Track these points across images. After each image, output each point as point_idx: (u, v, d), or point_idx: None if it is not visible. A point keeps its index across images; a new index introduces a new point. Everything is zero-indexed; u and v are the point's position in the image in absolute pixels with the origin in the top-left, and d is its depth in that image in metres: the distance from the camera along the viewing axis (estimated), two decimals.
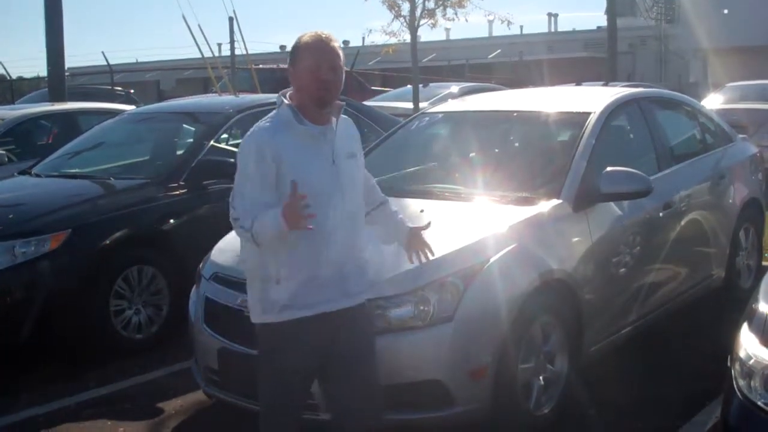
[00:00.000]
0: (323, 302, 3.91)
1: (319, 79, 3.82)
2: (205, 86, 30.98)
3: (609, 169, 5.88)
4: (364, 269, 4.08)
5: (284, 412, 4.11)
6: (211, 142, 8.34)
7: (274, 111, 3.96)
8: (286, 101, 3.93)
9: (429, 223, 4.30)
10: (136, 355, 7.09)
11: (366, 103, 13.18)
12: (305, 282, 3.87)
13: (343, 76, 3.96)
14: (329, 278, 3.91)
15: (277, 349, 3.99)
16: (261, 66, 22.50)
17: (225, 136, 8.77)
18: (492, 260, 5.09)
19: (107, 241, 7.12)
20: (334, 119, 3.97)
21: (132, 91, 26.40)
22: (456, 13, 23.92)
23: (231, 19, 24.09)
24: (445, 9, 23.14)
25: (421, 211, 5.48)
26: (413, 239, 4.31)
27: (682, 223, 6.91)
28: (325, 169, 3.88)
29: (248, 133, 3.94)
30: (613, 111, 6.73)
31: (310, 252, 3.86)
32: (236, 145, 8.92)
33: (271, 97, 10.05)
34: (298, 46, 3.91)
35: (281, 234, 3.71)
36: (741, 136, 8.98)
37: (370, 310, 4.23)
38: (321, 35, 3.90)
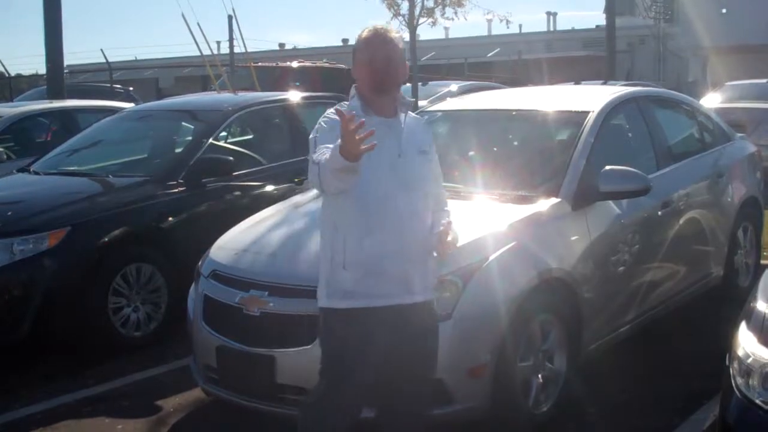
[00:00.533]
0: (385, 295, 3.90)
1: (372, 71, 3.91)
2: (204, 84, 30.95)
3: (608, 167, 5.88)
4: (428, 268, 4.04)
5: (335, 406, 4.03)
6: (210, 140, 8.35)
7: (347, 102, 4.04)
8: (357, 93, 4.01)
9: (449, 222, 4.22)
10: (134, 352, 7.09)
11: None
12: (369, 272, 3.87)
13: (402, 67, 4.00)
14: (393, 273, 3.90)
15: (335, 337, 3.98)
16: (260, 64, 22.48)
17: (224, 134, 8.78)
18: (491, 258, 5.10)
19: (106, 239, 7.12)
20: (402, 114, 4.02)
21: (131, 88, 26.39)
22: (456, 13, 23.92)
23: (230, 17, 24.07)
24: (444, 8, 23.13)
25: None
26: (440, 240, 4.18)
27: (681, 221, 6.91)
28: (388, 161, 3.89)
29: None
30: (612, 110, 6.73)
31: (375, 242, 3.87)
32: (235, 143, 9.03)
33: (270, 95, 10.15)
34: (357, 42, 4.01)
35: (343, 167, 3.53)
36: (740, 134, 8.98)
37: (433, 311, 4.16)
38: (378, 29, 4.00)
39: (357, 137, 3.42)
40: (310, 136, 3.96)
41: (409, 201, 3.93)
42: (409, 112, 4.13)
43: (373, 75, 3.92)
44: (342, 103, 3.97)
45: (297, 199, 6.71)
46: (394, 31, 4.10)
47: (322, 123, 3.92)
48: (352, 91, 4.05)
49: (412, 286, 3.96)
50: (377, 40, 3.95)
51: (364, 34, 3.99)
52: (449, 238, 3.91)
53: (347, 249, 3.88)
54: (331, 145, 3.61)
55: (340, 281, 3.91)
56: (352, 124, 3.40)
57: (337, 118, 3.59)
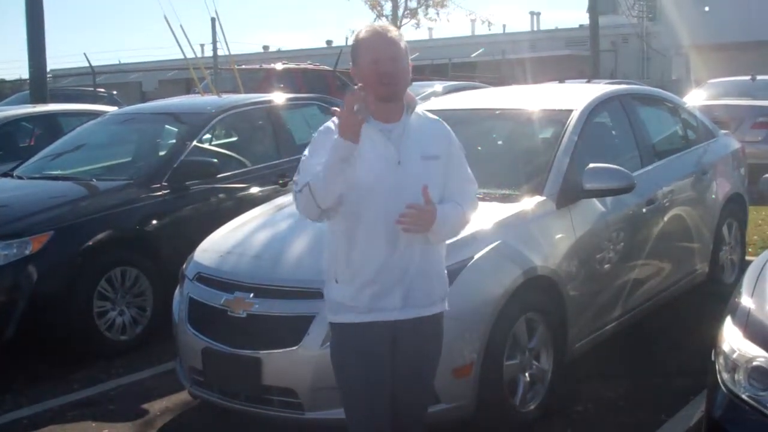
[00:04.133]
0: (382, 310, 3.76)
1: (378, 72, 3.66)
2: (187, 87, 30.89)
3: (592, 165, 5.89)
4: (433, 280, 3.87)
5: (365, 419, 3.92)
6: (194, 143, 8.33)
7: None
8: None
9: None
10: (120, 356, 7.07)
11: None
12: (363, 285, 3.74)
13: (407, 66, 3.77)
14: (390, 286, 3.75)
15: (339, 351, 3.90)
16: (244, 66, 22.45)
17: (207, 136, 8.75)
18: (476, 257, 5.09)
19: (90, 243, 7.09)
20: (406, 117, 3.81)
21: (115, 92, 26.33)
22: (438, 14, 23.94)
23: (213, 20, 24.06)
24: (426, 9, 23.16)
25: None
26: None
27: (666, 218, 6.92)
28: (387, 169, 3.70)
29: (319, 129, 3.81)
30: (595, 108, 6.74)
31: (369, 255, 3.73)
32: (219, 146, 9.01)
33: (254, 97, 10.13)
34: (356, 43, 3.77)
35: (343, 154, 3.49)
36: (723, 131, 9.01)
37: (440, 322, 3.99)
38: (377, 28, 3.78)
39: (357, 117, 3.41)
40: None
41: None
42: (427, 114, 3.95)
43: (379, 78, 3.66)
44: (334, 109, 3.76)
45: (281, 200, 6.70)
46: (394, 28, 3.91)
47: (314, 140, 3.74)
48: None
49: (413, 300, 3.79)
50: (382, 39, 3.72)
51: (365, 34, 3.76)
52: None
53: (338, 262, 3.78)
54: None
55: (334, 295, 3.82)
56: (354, 99, 3.41)
57: (326, 137, 3.60)
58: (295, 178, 3.76)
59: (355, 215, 3.71)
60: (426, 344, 3.94)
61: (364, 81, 3.67)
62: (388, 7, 21.64)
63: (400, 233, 3.68)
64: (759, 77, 17.21)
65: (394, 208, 3.64)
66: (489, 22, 26.04)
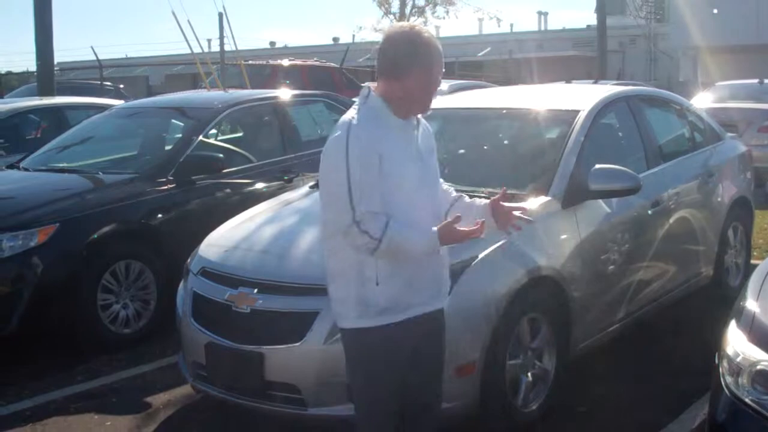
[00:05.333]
0: (420, 304, 3.80)
1: (429, 82, 3.72)
2: (194, 82, 30.93)
3: (598, 166, 5.88)
4: (447, 271, 3.99)
5: (384, 420, 3.91)
6: (200, 138, 8.34)
7: (359, 104, 3.76)
8: (374, 93, 3.76)
9: (505, 190, 4.14)
10: (123, 349, 7.08)
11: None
12: (405, 284, 3.74)
13: None
14: (426, 279, 3.81)
15: (370, 357, 3.81)
16: (250, 62, 22.46)
17: (214, 131, 8.77)
18: (480, 257, 5.09)
19: (95, 236, 7.10)
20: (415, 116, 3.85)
21: (122, 86, 26.35)
22: (447, 12, 23.90)
23: (220, 15, 23.96)
24: (434, 6, 23.12)
25: None
26: (497, 211, 4.07)
27: (671, 221, 6.91)
28: (413, 165, 3.73)
29: (342, 130, 3.63)
30: (602, 109, 6.72)
31: None
32: (225, 141, 9.02)
33: (260, 92, 10.14)
34: (415, 47, 3.67)
35: (433, 251, 3.71)
36: (730, 134, 8.99)
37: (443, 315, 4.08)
38: (431, 36, 3.77)
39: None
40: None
41: (433, 202, 3.84)
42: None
43: (428, 87, 3.71)
44: (356, 109, 3.74)
45: (286, 196, 6.70)
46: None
47: (350, 151, 3.56)
48: (365, 90, 3.78)
49: (441, 288, 3.92)
50: (437, 51, 3.71)
51: (425, 36, 3.70)
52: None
53: (379, 265, 3.68)
54: (388, 223, 3.56)
55: (373, 298, 3.71)
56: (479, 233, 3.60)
57: (361, 144, 3.54)
58: (355, 205, 3.55)
59: (394, 212, 3.65)
60: (443, 334, 4.04)
61: (416, 88, 3.70)
62: (395, 5, 21.67)
63: (432, 225, 3.72)
64: (767, 80, 17.18)
65: (420, 203, 3.72)
66: (498, 19, 26.00)
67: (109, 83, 26.50)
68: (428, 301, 3.85)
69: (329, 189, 3.68)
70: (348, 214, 3.56)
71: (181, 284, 5.88)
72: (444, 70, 3.80)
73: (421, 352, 3.90)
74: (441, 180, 4.06)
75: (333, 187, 3.62)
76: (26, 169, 8.52)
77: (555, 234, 5.71)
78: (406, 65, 3.68)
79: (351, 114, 3.73)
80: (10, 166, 8.80)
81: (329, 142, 3.68)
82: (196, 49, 12.28)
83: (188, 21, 16.61)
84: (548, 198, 5.77)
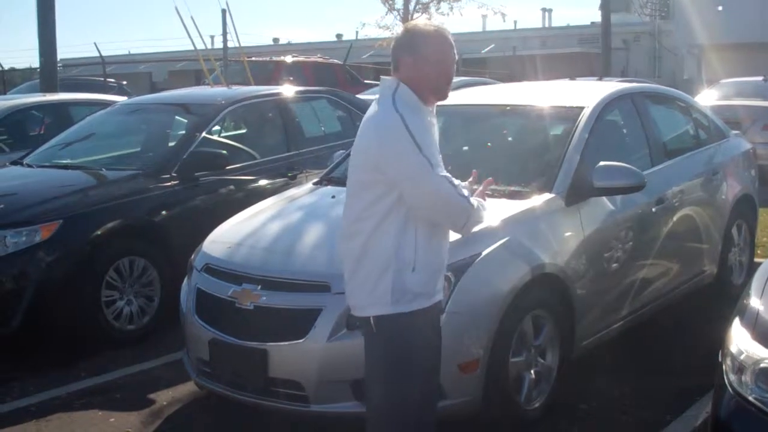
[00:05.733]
0: (439, 292, 3.90)
1: (440, 73, 3.80)
2: (197, 78, 30.95)
3: (602, 163, 5.87)
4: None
5: (410, 411, 3.90)
6: (203, 134, 8.34)
7: (386, 94, 3.79)
8: (402, 83, 3.79)
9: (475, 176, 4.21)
10: (127, 345, 7.09)
11: (359, 96, 13.17)
12: (435, 271, 3.83)
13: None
14: (443, 268, 3.92)
15: (406, 342, 3.81)
16: (254, 58, 22.47)
17: (217, 127, 8.76)
18: (484, 254, 5.09)
19: (98, 232, 7.10)
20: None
21: (125, 82, 26.36)
22: (451, 8, 23.88)
23: (224, 11, 24.05)
24: (439, 3, 23.09)
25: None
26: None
27: (675, 218, 6.91)
28: (438, 152, 3.80)
29: (385, 118, 3.71)
30: (607, 106, 6.72)
31: (442, 238, 3.87)
32: (228, 137, 9.01)
33: (264, 89, 10.13)
34: (420, 35, 3.81)
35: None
36: (734, 132, 8.98)
37: None
38: (442, 29, 3.88)
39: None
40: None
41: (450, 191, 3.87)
42: None
43: (439, 77, 3.79)
44: (388, 99, 3.76)
45: (290, 192, 6.71)
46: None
47: (408, 126, 3.65)
48: (394, 83, 3.79)
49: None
50: (447, 41, 3.82)
51: (428, 29, 3.85)
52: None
53: (418, 250, 3.74)
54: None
55: (408, 285, 3.74)
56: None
57: (414, 124, 3.64)
58: (441, 172, 3.69)
59: None
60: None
61: (421, 75, 3.77)
62: (399, 2, 21.69)
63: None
64: None
65: (448, 188, 3.73)
66: (502, 14, 25.89)
67: (112, 80, 26.53)
68: (440, 291, 3.92)
69: (406, 173, 3.68)
70: (442, 184, 3.67)
71: (185, 281, 5.89)
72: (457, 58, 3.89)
73: (437, 342, 3.97)
74: None
75: (411, 170, 3.66)
76: (30, 166, 8.53)
77: (559, 231, 5.71)
78: (417, 43, 3.79)
79: (386, 104, 3.75)
80: (14, 163, 8.81)
81: (384, 133, 3.70)
82: (200, 46, 12.29)
83: (191, 17, 16.66)
84: (552, 195, 5.76)
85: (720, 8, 39.42)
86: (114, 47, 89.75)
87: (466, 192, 3.77)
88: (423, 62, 3.76)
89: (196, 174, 7.93)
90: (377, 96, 3.86)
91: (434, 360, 3.96)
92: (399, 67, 3.82)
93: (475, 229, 5.01)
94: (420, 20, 3.88)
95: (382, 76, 3.92)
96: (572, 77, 17.00)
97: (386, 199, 3.71)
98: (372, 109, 3.84)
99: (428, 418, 3.99)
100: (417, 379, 3.86)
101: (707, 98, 16.05)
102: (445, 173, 3.69)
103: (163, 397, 6.08)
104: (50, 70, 16.37)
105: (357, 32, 39.61)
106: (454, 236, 3.99)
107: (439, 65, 3.78)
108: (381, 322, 3.80)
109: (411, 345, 3.82)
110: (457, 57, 3.91)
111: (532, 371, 5.36)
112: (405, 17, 21.11)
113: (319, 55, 26.23)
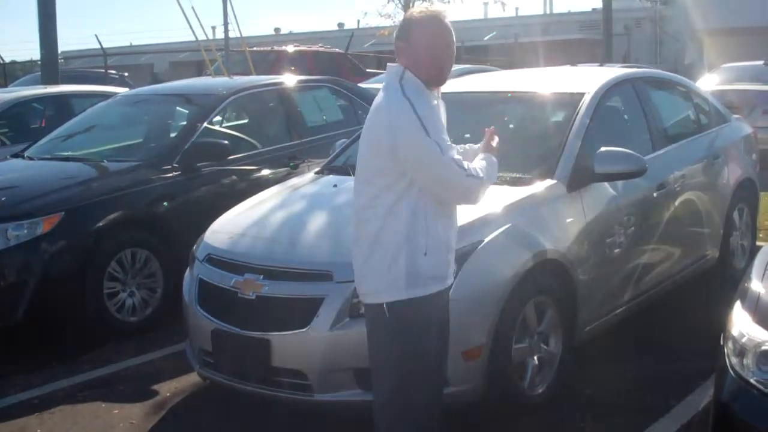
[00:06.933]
0: (450, 276, 3.94)
1: (434, 58, 3.78)
2: (198, 69, 30.90)
3: (603, 149, 5.87)
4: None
5: (432, 396, 3.94)
6: (205, 124, 8.33)
7: (396, 81, 3.80)
8: (406, 70, 3.80)
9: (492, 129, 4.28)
10: (130, 337, 7.10)
11: (361, 84, 13.16)
12: (447, 252, 3.86)
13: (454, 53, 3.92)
14: (452, 253, 3.93)
15: (419, 327, 3.81)
16: (255, 48, 22.44)
17: (218, 118, 8.75)
18: (486, 240, 5.09)
19: (100, 224, 7.10)
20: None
21: (126, 74, 26.34)
22: None
23: (224, 1, 23.99)
24: None
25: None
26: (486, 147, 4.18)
27: (677, 203, 6.90)
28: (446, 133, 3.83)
29: (395, 103, 3.73)
30: (608, 91, 6.71)
31: (452, 221, 3.91)
32: (230, 127, 9.01)
33: (265, 79, 10.12)
34: (412, 22, 3.84)
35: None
36: (735, 116, 8.96)
37: None
38: (435, 12, 3.88)
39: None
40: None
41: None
42: None
43: (432, 63, 3.78)
44: (393, 86, 3.78)
45: (292, 182, 6.71)
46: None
47: (417, 111, 3.68)
48: (400, 70, 3.81)
49: (453, 260, 4.01)
50: (439, 27, 3.81)
51: (421, 15, 3.86)
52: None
53: (429, 234, 3.76)
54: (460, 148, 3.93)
55: (422, 268, 3.76)
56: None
57: (423, 108, 3.68)
58: (451, 153, 3.74)
59: None
60: None
61: (417, 61, 3.79)
62: None
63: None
64: None
65: (456, 171, 3.75)
66: (503, 2, 25.83)
67: (113, 71, 26.52)
68: (451, 275, 3.95)
69: (416, 157, 3.70)
70: (450, 168, 3.70)
71: (187, 271, 5.89)
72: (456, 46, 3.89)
73: (447, 327, 3.99)
74: None
75: (421, 154, 3.69)
76: (31, 158, 8.53)
77: (561, 217, 5.71)
78: (410, 30, 3.83)
79: (394, 90, 3.77)
80: (15, 155, 8.81)
81: (395, 118, 3.71)
82: (201, 36, 12.30)
83: (192, 8, 16.55)
84: (554, 181, 5.76)
85: None
86: (115, 39, 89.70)
87: (473, 168, 3.80)
88: (415, 48, 3.79)
89: (198, 164, 7.93)
90: (384, 83, 3.87)
91: (444, 346, 3.97)
92: (398, 54, 3.86)
93: (477, 216, 5.04)
94: (420, 8, 3.85)
95: (388, 63, 3.94)
96: (574, 63, 16.96)
97: (398, 184, 3.73)
98: (380, 96, 3.85)
99: (437, 407, 3.99)
100: (428, 365, 3.86)
101: (708, 83, 16.01)
102: (454, 156, 3.72)
103: (167, 389, 6.09)
104: (51, 63, 16.34)
105: (358, 21, 39.63)
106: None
107: (430, 50, 3.78)
108: (394, 307, 3.80)
109: (423, 329, 3.82)
110: (455, 42, 3.89)
111: (536, 357, 5.37)
112: (406, 6, 21.05)
113: (320, 45, 26.21)
